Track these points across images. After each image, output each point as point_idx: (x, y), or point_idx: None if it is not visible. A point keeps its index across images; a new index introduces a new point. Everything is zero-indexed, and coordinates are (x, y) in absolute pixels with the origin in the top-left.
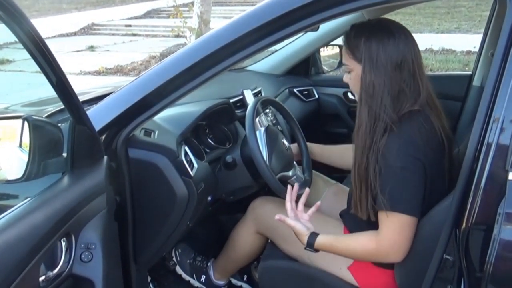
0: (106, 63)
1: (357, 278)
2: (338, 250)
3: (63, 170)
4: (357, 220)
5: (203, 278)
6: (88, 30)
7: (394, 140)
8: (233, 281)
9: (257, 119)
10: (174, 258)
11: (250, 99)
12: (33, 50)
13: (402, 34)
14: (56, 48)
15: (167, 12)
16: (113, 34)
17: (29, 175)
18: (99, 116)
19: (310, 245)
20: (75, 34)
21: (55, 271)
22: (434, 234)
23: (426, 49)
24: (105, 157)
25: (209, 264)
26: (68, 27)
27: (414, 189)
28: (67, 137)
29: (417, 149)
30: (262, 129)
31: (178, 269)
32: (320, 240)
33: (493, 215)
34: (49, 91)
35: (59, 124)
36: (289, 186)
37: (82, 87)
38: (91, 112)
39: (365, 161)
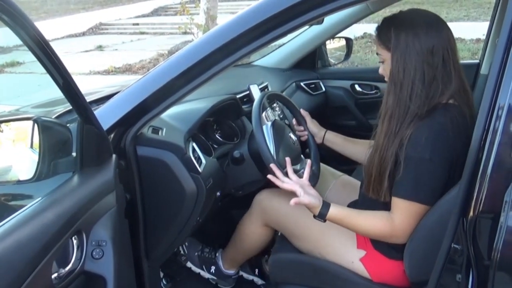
0: (115, 62)
1: (369, 269)
2: (348, 226)
3: (73, 169)
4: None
5: (212, 269)
6: (96, 30)
7: (424, 129)
8: (245, 275)
9: (263, 114)
10: (182, 252)
11: (256, 94)
12: (39, 53)
13: (434, 23)
14: (65, 48)
15: (174, 9)
16: (121, 33)
17: (40, 175)
18: (107, 115)
19: (322, 216)
20: (83, 34)
21: (67, 268)
22: (442, 224)
23: None
24: (114, 155)
25: (217, 254)
26: (76, 28)
27: (437, 180)
28: (76, 136)
29: (446, 140)
30: (269, 123)
31: (188, 263)
32: (332, 213)
33: (500, 203)
34: (59, 92)
35: (68, 125)
36: (273, 167)
37: (91, 87)
38: (99, 111)
39: (387, 146)
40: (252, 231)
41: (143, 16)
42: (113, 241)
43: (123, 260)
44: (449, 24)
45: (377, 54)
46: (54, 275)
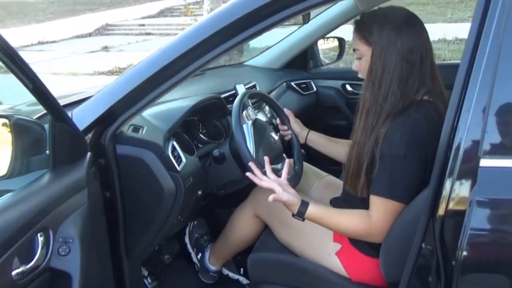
0: (120, 63)
1: (345, 265)
2: (327, 225)
3: (47, 167)
4: (346, 207)
5: (199, 255)
6: (103, 30)
7: (398, 127)
8: (230, 274)
9: (244, 113)
10: (187, 228)
11: None
12: (6, 60)
13: (416, 22)
14: (71, 49)
15: (180, 10)
16: (127, 34)
17: (12, 172)
18: (85, 114)
19: (301, 214)
20: (89, 35)
21: (31, 264)
22: (416, 224)
23: (439, 39)
24: (89, 153)
25: (209, 245)
26: (82, 28)
27: (412, 178)
28: (48, 134)
29: (421, 137)
30: (249, 122)
31: (186, 238)
32: (311, 212)
33: (466, 203)
34: (57, 91)
35: (45, 125)
36: (251, 165)
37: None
38: (78, 110)
39: (364, 141)
40: (242, 221)
41: (149, 17)
42: (81, 238)
43: (93, 257)
44: (454, 25)
45: (353, 50)
46: (16, 271)
